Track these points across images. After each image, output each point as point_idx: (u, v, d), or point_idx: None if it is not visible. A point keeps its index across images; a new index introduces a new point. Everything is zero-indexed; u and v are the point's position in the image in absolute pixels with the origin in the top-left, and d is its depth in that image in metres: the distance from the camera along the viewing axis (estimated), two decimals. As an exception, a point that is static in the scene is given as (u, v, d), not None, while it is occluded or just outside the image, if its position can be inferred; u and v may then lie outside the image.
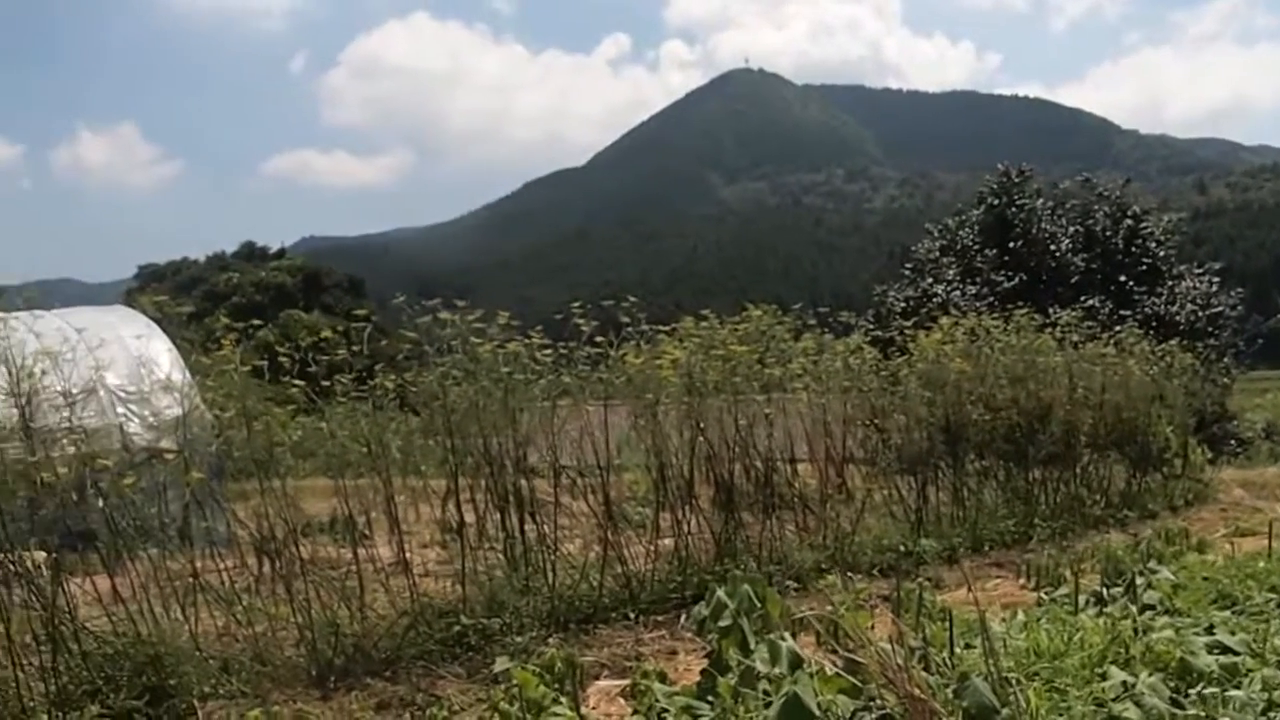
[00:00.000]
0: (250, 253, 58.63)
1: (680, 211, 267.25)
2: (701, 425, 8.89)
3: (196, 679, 6.40)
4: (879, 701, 4.06)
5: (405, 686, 6.63)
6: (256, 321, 7.29)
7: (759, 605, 5.19)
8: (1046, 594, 7.63)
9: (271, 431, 7.32)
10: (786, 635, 4.43)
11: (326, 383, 7.34)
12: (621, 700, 5.96)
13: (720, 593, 5.20)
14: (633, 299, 8.54)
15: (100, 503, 6.59)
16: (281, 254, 59.23)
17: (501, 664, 4.59)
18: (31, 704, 6.05)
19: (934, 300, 25.90)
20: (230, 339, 7.25)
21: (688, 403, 8.73)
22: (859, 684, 4.15)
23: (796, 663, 4.25)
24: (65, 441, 6.66)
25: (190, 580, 7.12)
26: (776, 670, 4.24)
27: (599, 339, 8.28)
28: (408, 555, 7.70)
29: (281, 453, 7.48)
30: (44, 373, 6.42)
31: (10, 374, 6.24)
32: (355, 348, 7.49)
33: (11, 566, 6.30)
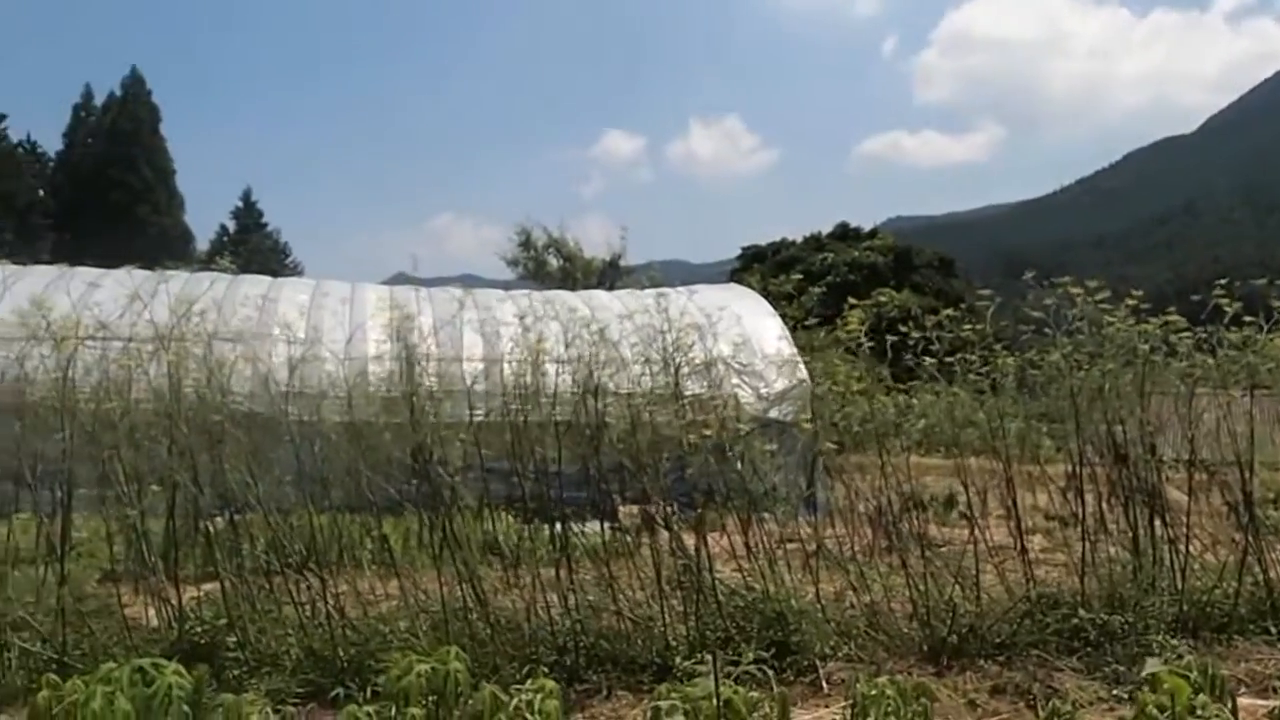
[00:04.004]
0: (844, 233, 59.53)
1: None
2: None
3: (817, 639, 6.72)
4: None
5: (1021, 674, 6.45)
6: (882, 299, 7.46)
7: None
8: None
9: (887, 408, 7.51)
10: None
11: (949, 359, 7.36)
12: (1272, 723, 5.38)
13: None
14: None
15: (738, 464, 7.14)
16: (873, 234, 59.74)
17: (1153, 665, 4.30)
18: (673, 644, 6.69)
19: None
20: (856, 317, 7.52)
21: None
22: None
23: None
24: (691, 408, 7.29)
25: (813, 544, 7.50)
26: None
27: (1246, 319, 7.48)
28: (1024, 541, 7.52)
29: (888, 428, 7.63)
30: (692, 344, 7.06)
31: (666, 346, 6.95)
32: (979, 326, 7.43)
33: (662, 520, 7.03)
